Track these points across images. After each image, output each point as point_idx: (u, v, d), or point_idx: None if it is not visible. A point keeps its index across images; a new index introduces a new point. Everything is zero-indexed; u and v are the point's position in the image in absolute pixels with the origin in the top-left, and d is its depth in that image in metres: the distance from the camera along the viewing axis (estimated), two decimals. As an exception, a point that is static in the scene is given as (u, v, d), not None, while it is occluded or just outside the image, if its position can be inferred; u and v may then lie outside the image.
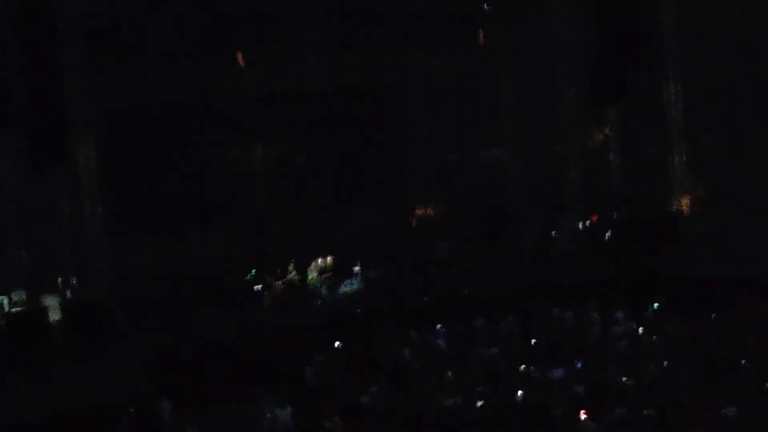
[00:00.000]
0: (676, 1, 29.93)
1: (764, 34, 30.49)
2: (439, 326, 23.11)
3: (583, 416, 16.87)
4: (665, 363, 19.03)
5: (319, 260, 29.32)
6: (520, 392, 18.24)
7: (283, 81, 29.77)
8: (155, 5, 26.39)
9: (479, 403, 18.28)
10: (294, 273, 27.84)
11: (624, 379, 18.50)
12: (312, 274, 28.32)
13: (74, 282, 26.11)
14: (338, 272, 29.71)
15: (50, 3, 24.15)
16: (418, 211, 33.40)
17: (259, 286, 27.43)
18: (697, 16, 30.39)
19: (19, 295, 25.45)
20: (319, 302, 27.32)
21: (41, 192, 26.34)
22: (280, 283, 27.20)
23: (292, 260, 28.24)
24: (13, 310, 25.63)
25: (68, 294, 25.99)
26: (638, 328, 21.74)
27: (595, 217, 30.48)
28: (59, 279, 26.13)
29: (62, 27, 24.70)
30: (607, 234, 29.81)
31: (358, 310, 25.70)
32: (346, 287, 28.36)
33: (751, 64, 30.55)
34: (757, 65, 30.44)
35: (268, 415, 19.11)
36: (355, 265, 29.38)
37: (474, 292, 26.93)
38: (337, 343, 22.73)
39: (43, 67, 24.01)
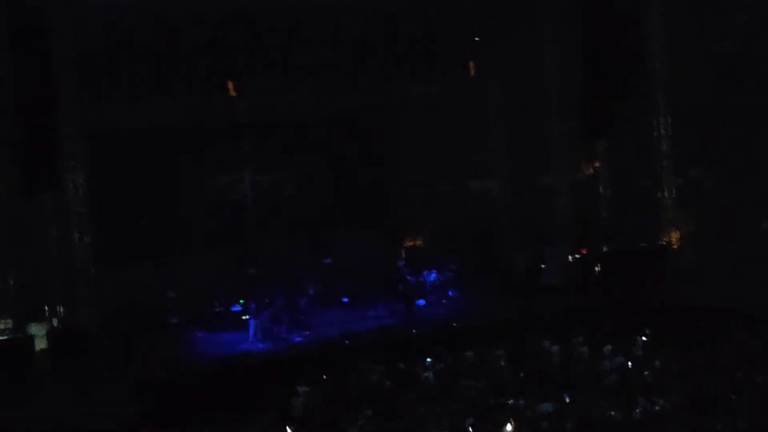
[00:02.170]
0: (665, 34, 30.07)
1: (753, 66, 30.68)
2: (427, 357, 23.02)
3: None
4: (654, 397, 18.96)
5: (309, 288, 29.35)
6: (509, 426, 18.14)
7: (274, 109, 29.81)
8: (148, 32, 26.38)
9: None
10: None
11: (613, 413, 18.43)
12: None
13: (61, 310, 25.95)
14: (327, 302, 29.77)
15: (45, 29, 24.12)
16: (408, 241, 33.45)
17: (248, 316, 27.36)
18: (687, 49, 30.56)
19: (5, 323, 25.29)
20: (307, 332, 27.25)
21: (30, 219, 26.20)
22: (270, 309, 27.09)
23: (280, 289, 28.21)
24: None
25: (55, 322, 25.83)
26: (627, 361, 21.67)
27: (584, 250, 30.50)
28: (46, 307, 25.97)
29: (57, 52, 24.69)
30: (597, 266, 29.84)
31: (346, 341, 25.57)
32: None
33: (739, 97, 30.69)
34: (745, 98, 30.58)
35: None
36: (343, 296, 29.42)
37: (463, 323, 26.85)
38: (324, 374, 22.64)
39: (36, 92, 23.95)
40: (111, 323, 26.38)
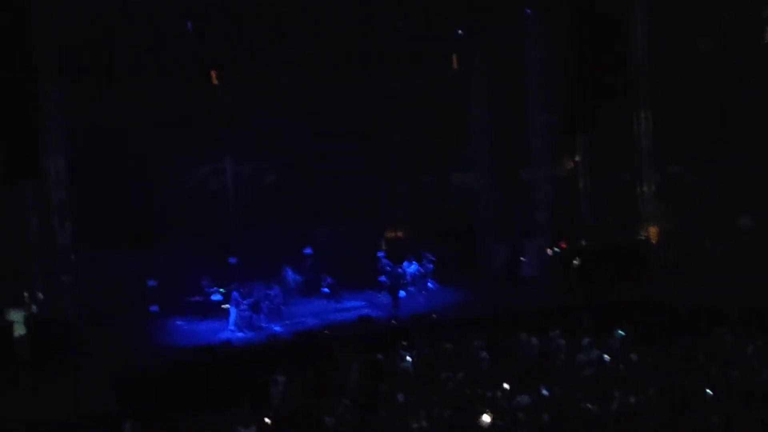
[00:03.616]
0: (648, 31, 30.19)
1: (733, 64, 30.85)
2: (406, 349, 23.11)
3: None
4: (630, 391, 19.09)
5: (289, 280, 29.41)
6: (485, 417, 18.24)
7: (255, 100, 29.78)
8: (132, 23, 26.33)
9: (445, 428, 18.27)
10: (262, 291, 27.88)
11: (589, 406, 18.55)
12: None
13: (41, 297, 25.91)
14: (307, 292, 29.84)
15: (27, 16, 24.01)
16: (388, 233, 33.50)
17: (228, 305, 27.41)
18: (668, 46, 30.69)
19: (-17, 309, 25.26)
20: (287, 322, 27.32)
21: (10, 205, 26.16)
22: (249, 301, 27.14)
23: (261, 279, 28.28)
24: (-22, 324, 25.46)
25: (34, 309, 25.79)
26: (604, 355, 21.80)
27: (563, 244, 30.63)
28: (25, 294, 25.93)
29: (39, 39, 24.60)
30: (575, 260, 29.97)
31: (326, 331, 25.63)
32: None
33: (720, 93, 30.86)
34: (726, 95, 30.76)
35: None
36: (323, 286, 29.48)
37: (442, 314, 26.94)
38: (303, 364, 22.71)
39: (18, 79, 23.87)
40: (91, 311, 26.36)
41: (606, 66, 28.79)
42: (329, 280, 29.43)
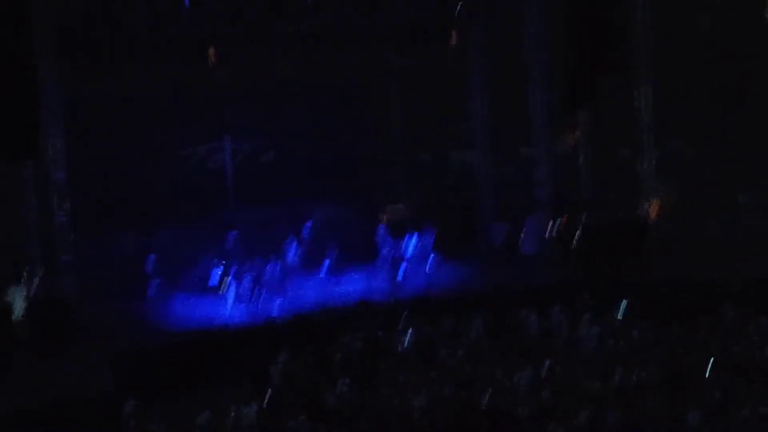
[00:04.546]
0: (647, 5, 30.04)
1: (734, 41, 30.70)
2: (406, 326, 23.09)
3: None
4: (631, 367, 19.09)
5: (288, 257, 29.34)
6: (486, 394, 18.25)
7: (254, 78, 29.67)
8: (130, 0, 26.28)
9: (445, 405, 18.29)
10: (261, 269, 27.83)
11: (590, 382, 18.56)
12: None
13: (40, 277, 25.89)
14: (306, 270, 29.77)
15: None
16: (388, 210, 33.41)
17: (227, 283, 27.38)
18: (669, 22, 30.53)
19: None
20: (286, 299, 27.27)
21: (8, 185, 26.10)
22: (249, 278, 27.09)
23: (260, 257, 28.22)
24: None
25: (33, 289, 25.76)
26: (605, 332, 21.79)
27: (564, 220, 30.56)
28: (24, 273, 25.90)
29: (36, 17, 24.47)
30: (576, 237, 29.91)
31: (325, 309, 25.59)
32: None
33: (721, 70, 30.72)
34: (726, 71, 30.63)
35: (233, 413, 19.03)
36: (323, 263, 29.44)
37: (442, 292, 26.90)
38: (302, 342, 22.70)
39: (15, 57, 23.78)
40: (90, 290, 26.34)
41: (606, 42, 28.66)
42: (329, 257, 29.36)
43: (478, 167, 32.73)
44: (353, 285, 28.57)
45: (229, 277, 27.35)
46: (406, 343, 22.49)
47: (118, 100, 28.09)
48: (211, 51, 28.22)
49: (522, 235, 30.98)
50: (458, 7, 30.41)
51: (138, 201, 28.67)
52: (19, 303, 25.27)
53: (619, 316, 22.94)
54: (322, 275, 29.29)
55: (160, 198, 28.95)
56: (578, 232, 29.95)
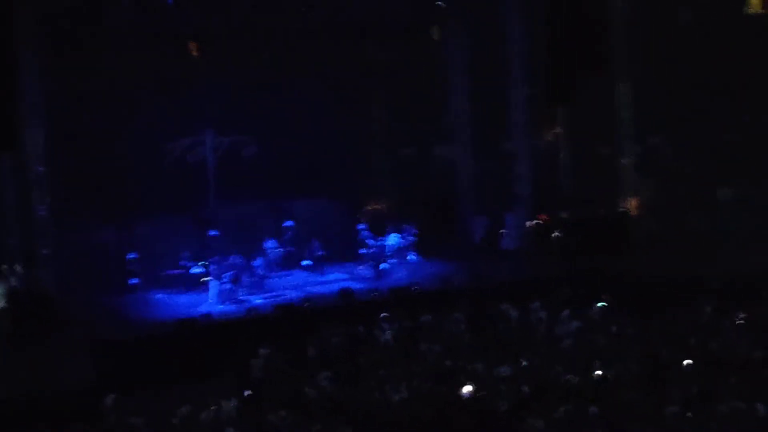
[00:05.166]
0: (627, 2, 30.16)
1: (714, 36, 30.81)
2: (386, 321, 23.12)
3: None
4: (610, 362, 19.16)
5: (269, 252, 29.33)
6: (466, 388, 18.28)
7: (236, 71, 29.64)
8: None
9: (426, 399, 18.30)
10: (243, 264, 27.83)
11: (569, 377, 18.62)
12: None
13: (19, 270, 25.82)
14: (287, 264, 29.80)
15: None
16: (369, 205, 33.46)
17: (208, 278, 27.37)
18: (649, 17, 30.65)
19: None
20: (267, 294, 27.30)
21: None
22: (230, 272, 27.07)
23: (241, 252, 28.21)
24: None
25: (13, 282, 25.68)
26: (584, 327, 21.87)
27: (543, 216, 30.68)
28: (4, 266, 25.82)
29: (18, 7, 24.36)
30: (555, 232, 30.02)
31: (307, 304, 25.61)
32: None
33: (701, 65, 30.85)
34: (707, 67, 30.75)
35: (213, 406, 19.02)
36: (304, 258, 29.47)
37: (422, 287, 26.95)
38: (283, 336, 22.70)
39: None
40: (70, 284, 26.28)
41: (586, 37, 28.73)
42: (310, 252, 29.40)
43: (458, 162, 32.82)
44: (334, 279, 28.64)
45: (210, 271, 27.34)
46: (386, 337, 22.50)
47: (100, 93, 28.01)
48: (193, 44, 28.20)
49: (502, 229, 31.08)
50: (439, 2, 30.45)
51: (119, 194, 28.58)
52: (-1, 294, 25.23)
53: (599, 311, 23.00)
54: (303, 270, 29.36)
55: (141, 191, 28.87)
56: (558, 227, 30.08)
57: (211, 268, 27.33)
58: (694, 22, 31.82)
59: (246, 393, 19.41)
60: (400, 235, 30.04)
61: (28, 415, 19.97)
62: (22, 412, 20.12)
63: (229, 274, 27.00)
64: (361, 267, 29.32)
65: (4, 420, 19.83)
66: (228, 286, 26.87)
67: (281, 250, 29.63)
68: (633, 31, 30.27)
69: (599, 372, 18.52)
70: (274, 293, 27.42)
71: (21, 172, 25.97)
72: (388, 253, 29.62)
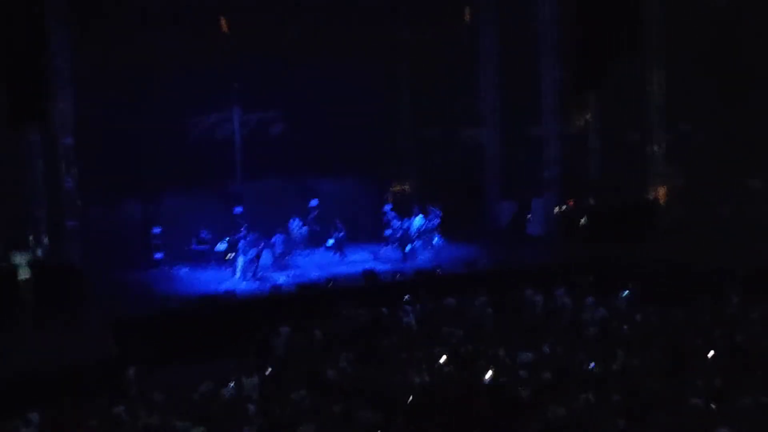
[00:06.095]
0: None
1: (749, 21, 30.48)
2: (409, 303, 23.06)
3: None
4: (633, 351, 19.05)
5: (294, 231, 29.31)
6: (488, 373, 18.21)
7: (264, 49, 29.57)
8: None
9: (447, 383, 18.25)
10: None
11: (592, 365, 18.51)
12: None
13: (46, 241, 25.91)
14: (312, 244, 29.78)
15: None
16: (395, 186, 33.38)
17: (233, 254, 27.39)
18: (683, 3, 30.36)
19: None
20: (291, 273, 27.30)
21: (17, 149, 26.07)
22: (253, 251, 27.07)
23: (266, 229, 28.21)
24: (-19, 266, 25.47)
25: (39, 253, 25.78)
26: (608, 314, 21.74)
27: (571, 202, 30.51)
28: (30, 237, 25.91)
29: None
30: (583, 219, 29.85)
31: (330, 284, 25.58)
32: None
33: (734, 52, 30.54)
34: (740, 54, 30.44)
35: (235, 383, 19.04)
36: (329, 238, 29.42)
37: (446, 270, 26.88)
38: (306, 316, 22.69)
39: (25, 23, 23.72)
40: (96, 257, 26.36)
41: (619, 21, 28.53)
42: (335, 232, 29.35)
43: (486, 145, 32.65)
44: (358, 260, 28.59)
45: (235, 248, 27.35)
46: (409, 319, 22.45)
47: (128, 67, 28.01)
48: (223, 20, 28.15)
49: (529, 215, 30.92)
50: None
51: (145, 169, 28.63)
52: (24, 267, 25.27)
53: (623, 299, 22.87)
54: (327, 249, 29.32)
55: (168, 166, 28.90)
56: (586, 213, 29.91)
57: (236, 244, 27.31)
58: (728, 8, 31.46)
59: (267, 371, 19.41)
60: (425, 218, 29.93)
61: (51, 387, 20.07)
62: (45, 384, 20.21)
63: (253, 251, 26.98)
64: (385, 248, 29.24)
65: (27, 392, 19.90)
66: (252, 263, 26.86)
67: (306, 229, 29.59)
68: (666, 17, 29.96)
69: (622, 360, 18.42)
70: (298, 272, 27.41)
71: (49, 145, 26.01)
72: (413, 235, 29.51)
